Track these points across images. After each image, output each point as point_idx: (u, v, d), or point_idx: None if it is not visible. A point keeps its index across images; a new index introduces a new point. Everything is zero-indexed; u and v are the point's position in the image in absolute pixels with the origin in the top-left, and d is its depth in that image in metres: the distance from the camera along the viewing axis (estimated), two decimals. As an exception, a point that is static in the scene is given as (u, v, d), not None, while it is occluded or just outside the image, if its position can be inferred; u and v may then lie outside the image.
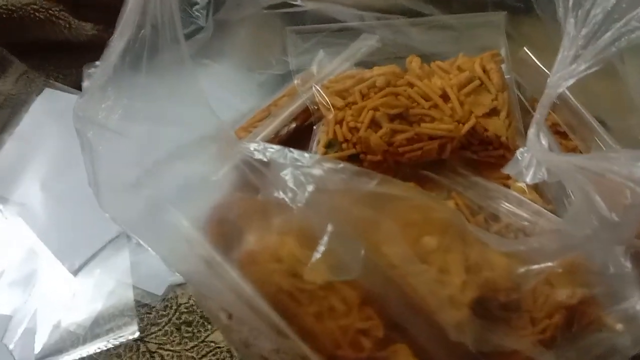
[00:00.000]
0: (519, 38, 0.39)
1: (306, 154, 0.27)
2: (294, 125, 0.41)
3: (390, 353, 0.32)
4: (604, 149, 0.34)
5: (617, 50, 0.27)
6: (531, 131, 0.28)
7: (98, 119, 0.27)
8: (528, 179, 0.27)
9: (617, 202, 0.22)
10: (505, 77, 0.38)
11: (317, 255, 0.26)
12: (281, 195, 0.26)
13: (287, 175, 0.26)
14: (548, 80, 0.29)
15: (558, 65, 0.29)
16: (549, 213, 0.34)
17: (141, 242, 0.30)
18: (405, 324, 0.31)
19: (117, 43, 0.27)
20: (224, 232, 0.36)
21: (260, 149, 0.27)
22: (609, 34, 0.27)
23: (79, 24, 0.60)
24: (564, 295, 0.31)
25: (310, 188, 0.26)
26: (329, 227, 0.26)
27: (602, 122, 0.35)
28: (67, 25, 0.59)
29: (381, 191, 0.26)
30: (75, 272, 0.50)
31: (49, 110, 0.58)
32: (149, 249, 0.31)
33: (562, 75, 0.28)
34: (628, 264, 0.27)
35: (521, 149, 0.28)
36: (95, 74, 0.28)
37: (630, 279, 0.28)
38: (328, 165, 0.26)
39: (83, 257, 0.50)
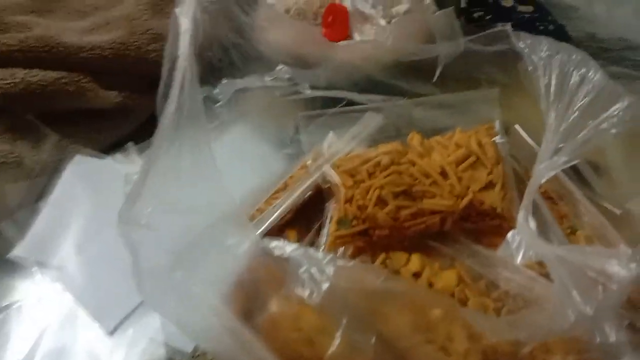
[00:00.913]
0: (512, 111, 0.42)
1: (319, 254, 0.30)
2: (309, 193, 0.45)
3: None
4: (591, 214, 0.37)
5: (594, 146, 0.30)
6: (520, 215, 0.32)
7: (140, 223, 0.31)
8: (518, 260, 0.31)
9: (592, 296, 0.25)
10: (500, 145, 0.41)
11: (332, 349, 0.29)
12: (300, 292, 0.30)
13: (304, 273, 0.30)
14: (534, 168, 0.32)
15: (542, 155, 0.32)
16: (543, 279, 0.36)
17: (171, 321, 0.34)
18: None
19: (155, 153, 0.31)
20: (247, 298, 0.39)
21: (280, 247, 0.31)
22: (585, 131, 0.30)
23: (104, 93, 0.64)
24: (559, 360, 0.34)
25: (325, 286, 0.29)
26: (344, 320, 0.29)
27: (596, 167, 0.38)
28: (94, 95, 0.64)
29: (387, 287, 0.30)
30: (112, 333, 0.53)
31: (79, 176, 0.62)
32: (178, 326, 0.34)
33: (546, 166, 0.31)
34: (613, 335, 0.30)
35: (512, 232, 0.32)
36: (136, 181, 0.32)
37: (618, 345, 0.31)
38: (340, 263, 0.30)
39: (118, 317, 0.53)
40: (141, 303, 0.54)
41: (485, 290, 0.37)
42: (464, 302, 0.36)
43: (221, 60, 0.40)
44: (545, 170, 0.31)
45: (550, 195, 0.40)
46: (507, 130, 0.42)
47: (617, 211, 0.37)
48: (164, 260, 0.34)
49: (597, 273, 0.25)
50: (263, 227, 0.40)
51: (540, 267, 0.38)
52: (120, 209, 0.32)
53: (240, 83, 0.41)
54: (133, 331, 0.53)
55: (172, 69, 0.32)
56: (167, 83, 0.32)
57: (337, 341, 0.29)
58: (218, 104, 0.39)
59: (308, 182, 0.42)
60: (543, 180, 0.31)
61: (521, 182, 0.41)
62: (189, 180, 0.34)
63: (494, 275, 0.37)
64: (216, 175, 0.33)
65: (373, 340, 0.29)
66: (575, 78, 0.32)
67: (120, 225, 0.31)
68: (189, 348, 0.52)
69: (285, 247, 0.31)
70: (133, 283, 0.34)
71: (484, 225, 0.39)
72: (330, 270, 0.29)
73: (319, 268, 0.29)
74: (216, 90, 0.40)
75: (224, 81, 0.41)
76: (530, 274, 0.37)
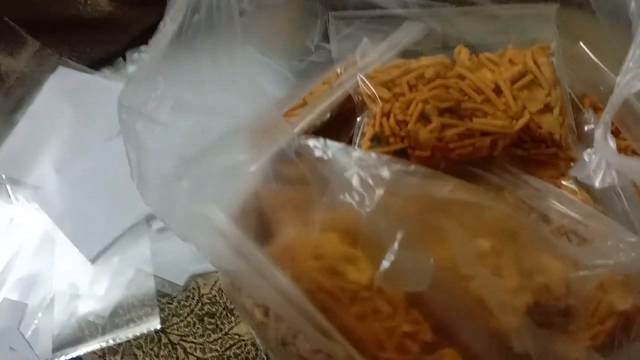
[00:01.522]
0: (570, 32, 0.38)
1: (372, 154, 0.25)
2: (328, 115, 0.39)
3: (438, 357, 0.31)
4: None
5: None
6: (599, 132, 0.27)
7: (147, 110, 0.25)
8: (597, 183, 0.26)
9: None
10: (557, 68, 0.37)
11: (385, 265, 0.24)
12: (347, 198, 0.25)
13: (352, 176, 0.25)
14: (618, 80, 0.28)
15: (629, 63, 0.27)
16: (601, 214, 0.32)
17: (181, 236, 0.29)
18: (455, 329, 0.30)
19: (169, 27, 0.25)
20: (257, 224, 0.34)
21: (320, 146, 0.25)
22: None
23: (94, 0, 0.58)
24: (617, 301, 0.30)
25: (380, 192, 0.24)
26: (399, 235, 0.24)
27: None
28: (82, 1, 0.57)
29: (457, 198, 0.25)
30: (93, 260, 0.48)
31: (62, 89, 0.56)
32: (189, 242, 0.29)
33: (636, 75, 0.26)
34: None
35: (588, 150, 0.27)
36: (143, 60, 0.26)
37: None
38: (398, 166, 0.25)
39: (101, 244, 0.48)
40: (128, 230, 0.49)
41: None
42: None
43: None
44: (636, 79, 0.26)
45: (613, 129, 0.35)
46: (562, 52, 0.37)
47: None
48: (171, 165, 0.29)
49: None
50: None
51: (596, 203, 0.34)
52: (122, 91, 0.26)
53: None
54: (118, 260, 0.48)
55: None
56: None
57: (389, 260, 0.24)
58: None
59: (336, 95, 0.36)
60: (633, 91, 0.26)
61: (577, 111, 0.36)
62: (213, 73, 0.29)
63: (546, 208, 0.33)
64: (249, 71, 0.28)
65: (432, 261, 0.24)
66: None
67: (122, 110, 0.25)
68: (180, 280, 0.47)
69: (327, 147, 0.25)
70: (134, 185, 0.29)
71: (537, 153, 0.34)
72: (386, 173, 0.24)
73: (371, 172, 0.24)
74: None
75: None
76: (587, 209, 0.32)
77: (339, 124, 0.39)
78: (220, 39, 0.26)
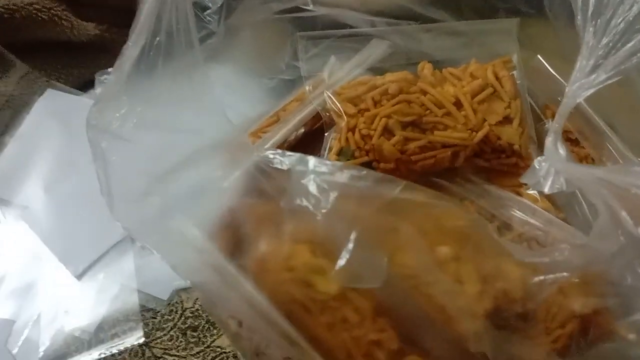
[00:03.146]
0: (531, 44, 0.39)
1: (327, 162, 0.26)
2: (302, 130, 0.41)
3: (404, 364, 0.32)
4: (617, 157, 0.34)
5: (639, 61, 0.27)
6: (549, 140, 0.28)
7: (112, 128, 0.27)
8: (546, 189, 0.27)
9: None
10: (517, 83, 0.38)
11: (340, 263, 0.26)
12: (304, 202, 0.26)
13: (309, 182, 0.26)
14: (566, 90, 0.29)
15: (577, 74, 0.28)
16: (561, 222, 0.33)
17: (153, 250, 0.30)
18: (419, 335, 0.31)
19: (132, 50, 0.27)
20: (233, 238, 0.35)
21: (278, 156, 0.27)
22: (630, 44, 0.27)
23: (81, 24, 0.59)
24: (577, 305, 0.31)
25: (334, 194, 0.25)
26: (353, 235, 0.25)
27: (612, 128, 0.35)
28: (70, 26, 0.59)
29: (406, 197, 0.26)
30: (79, 277, 0.49)
31: (51, 111, 0.58)
32: (160, 257, 0.30)
33: (582, 85, 0.28)
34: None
35: (539, 158, 0.28)
36: (109, 82, 0.27)
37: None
38: (350, 171, 0.26)
39: (87, 261, 0.50)
40: (113, 247, 0.50)
41: (497, 233, 0.34)
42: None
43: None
44: (581, 89, 0.27)
45: (571, 137, 0.37)
46: (524, 64, 0.38)
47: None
48: (141, 181, 0.30)
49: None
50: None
51: (557, 210, 0.35)
52: (89, 112, 0.27)
53: (234, -12, 0.36)
54: (104, 276, 0.49)
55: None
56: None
57: (344, 258, 0.25)
58: (208, 12, 0.35)
59: (306, 111, 0.38)
60: (578, 101, 0.27)
61: (538, 121, 0.38)
62: (175, 96, 0.30)
63: (507, 216, 0.34)
64: (209, 94, 0.29)
65: (385, 260, 0.25)
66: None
67: (89, 129, 0.26)
68: (164, 295, 0.48)
69: (285, 157, 0.27)
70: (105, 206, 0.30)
71: (498, 163, 0.35)
72: (340, 178, 0.25)
73: (325, 178, 0.25)
74: (207, -5, 0.35)
75: (218, -15, 0.36)
76: (547, 215, 0.33)
77: (313, 140, 0.40)
78: (180, 61, 0.27)
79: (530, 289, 0.31)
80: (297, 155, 0.27)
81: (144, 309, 0.48)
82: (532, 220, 0.33)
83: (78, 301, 0.48)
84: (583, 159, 0.36)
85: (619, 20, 0.27)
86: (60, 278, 0.49)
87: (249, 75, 0.41)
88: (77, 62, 0.61)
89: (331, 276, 0.26)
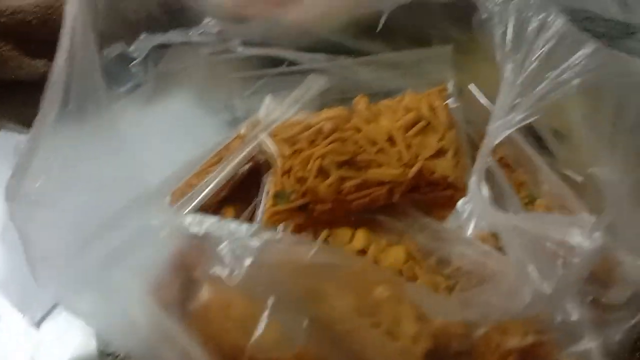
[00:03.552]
0: (466, 70, 0.39)
1: (245, 225, 0.26)
2: (247, 167, 0.40)
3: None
4: (552, 185, 0.34)
5: (553, 100, 0.27)
6: (472, 180, 0.28)
7: (30, 199, 0.26)
8: (469, 232, 0.27)
9: (551, 271, 0.22)
10: (453, 108, 0.38)
11: (259, 331, 0.25)
12: (217, 272, 0.26)
13: (223, 250, 0.26)
14: (487, 128, 0.29)
15: (497, 112, 0.28)
16: (497, 253, 0.33)
17: (81, 318, 0.29)
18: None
19: (42, 121, 0.26)
20: (178, 286, 0.35)
21: (195, 222, 0.26)
22: (544, 83, 0.27)
23: (30, 62, 0.58)
24: (516, 341, 0.31)
25: (247, 262, 0.25)
26: (270, 301, 0.25)
27: (566, 136, 0.35)
28: (18, 65, 0.58)
29: (319, 261, 0.26)
30: (38, 324, 0.49)
31: (2, 153, 0.57)
32: (87, 322, 0.30)
33: (501, 125, 0.28)
34: (575, 314, 0.26)
35: (462, 200, 0.28)
36: (24, 152, 0.27)
37: (580, 324, 0.28)
38: (266, 236, 0.26)
39: (45, 307, 0.49)
40: (70, 291, 0.49)
41: (436, 267, 0.34)
42: (413, 281, 0.32)
43: (137, 12, 0.35)
44: (500, 129, 0.27)
45: (507, 162, 0.36)
46: (460, 91, 0.38)
47: (579, 178, 0.34)
48: (65, 244, 0.30)
49: (557, 245, 0.22)
50: (193, 205, 0.35)
51: (496, 241, 0.35)
52: (7, 184, 0.27)
53: (159, 39, 0.36)
54: (62, 322, 0.49)
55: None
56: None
57: (262, 325, 0.25)
58: (133, 63, 0.34)
59: (243, 154, 0.37)
60: (497, 141, 0.27)
61: (476, 149, 0.37)
62: (91, 153, 0.30)
63: (446, 250, 0.34)
64: (125, 148, 0.29)
65: (305, 323, 0.25)
66: (534, 24, 0.28)
67: (8, 202, 0.26)
68: (122, 339, 0.47)
69: (202, 222, 0.26)
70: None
71: (435, 196, 0.35)
72: (254, 244, 0.25)
73: (241, 243, 0.25)
74: (132, 48, 0.35)
75: (142, 37, 0.35)
76: (484, 248, 0.33)
77: (257, 176, 0.40)
78: (93, 123, 0.27)
79: (468, 326, 0.31)
80: (214, 219, 0.27)
81: (102, 354, 0.47)
82: (469, 252, 0.33)
83: (36, 351, 0.48)
84: (520, 185, 0.36)
85: (533, 58, 0.27)
86: (17, 328, 0.49)
87: (190, 114, 0.41)
88: (28, 100, 0.59)
89: (248, 349, 0.25)
